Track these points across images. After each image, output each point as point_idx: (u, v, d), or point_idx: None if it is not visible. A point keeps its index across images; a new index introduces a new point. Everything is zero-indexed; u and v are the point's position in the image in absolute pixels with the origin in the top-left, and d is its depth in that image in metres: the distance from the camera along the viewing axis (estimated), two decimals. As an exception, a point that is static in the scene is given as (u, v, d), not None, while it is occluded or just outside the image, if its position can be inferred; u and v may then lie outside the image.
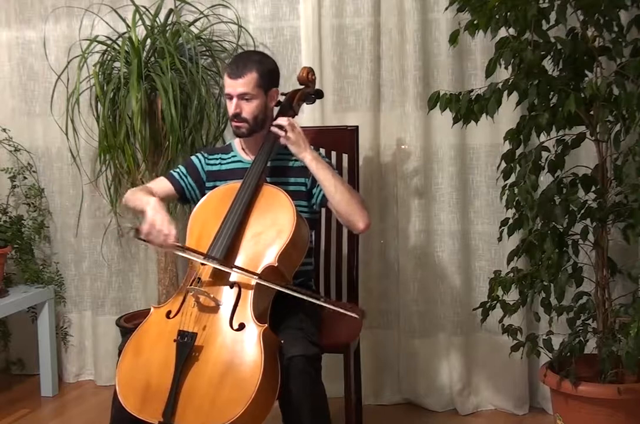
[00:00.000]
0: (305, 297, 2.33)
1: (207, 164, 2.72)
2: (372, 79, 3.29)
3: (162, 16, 3.41)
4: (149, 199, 2.48)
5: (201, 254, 2.39)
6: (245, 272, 2.34)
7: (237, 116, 2.56)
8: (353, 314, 2.32)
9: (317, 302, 2.38)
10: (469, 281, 3.30)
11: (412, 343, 3.33)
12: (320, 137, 3.00)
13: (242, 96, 2.54)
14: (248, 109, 2.56)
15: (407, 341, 3.34)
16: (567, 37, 2.59)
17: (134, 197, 2.61)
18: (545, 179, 2.73)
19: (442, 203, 3.28)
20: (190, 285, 2.36)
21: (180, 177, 2.71)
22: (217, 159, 2.73)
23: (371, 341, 3.34)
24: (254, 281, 2.33)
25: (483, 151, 3.24)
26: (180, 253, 2.45)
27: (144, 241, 2.42)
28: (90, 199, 3.62)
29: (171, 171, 2.76)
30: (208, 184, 2.69)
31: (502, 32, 2.57)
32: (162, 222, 2.38)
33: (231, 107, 2.56)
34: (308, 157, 2.55)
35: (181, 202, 2.84)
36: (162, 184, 2.72)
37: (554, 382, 2.66)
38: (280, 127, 2.56)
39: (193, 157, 2.76)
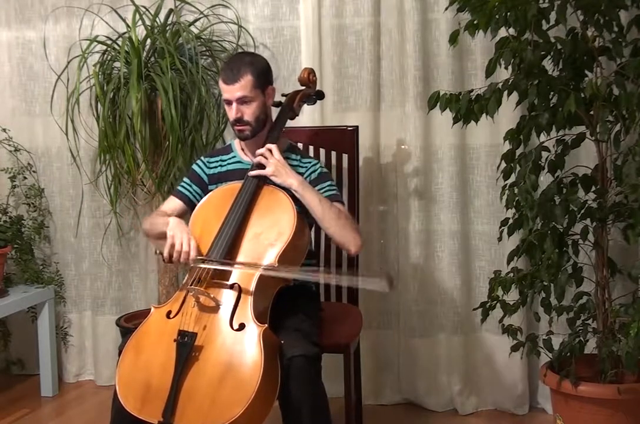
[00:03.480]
0: (311, 279, 2.32)
1: (209, 168, 2.72)
2: (372, 79, 3.29)
3: (162, 16, 3.41)
4: (166, 221, 2.48)
5: (202, 257, 2.39)
6: (248, 266, 2.35)
7: (240, 120, 2.55)
8: (379, 288, 2.25)
9: (339, 283, 2.37)
10: (469, 281, 3.30)
11: (412, 343, 3.33)
12: (320, 137, 3.00)
13: (241, 100, 2.53)
14: (249, 112, 2.55)
15: (407, 341, 3.34)
16: (567, 37, 2.59)
17: (152, 224, 2.60)
18: (545, 179, 2.73)
19: (442, 203, 3.28)
20: (191, 285, 2.35)
21: (185, 188, 2.71)
22: (217, 161, 2.72)
23: (371, 341, 3.34)
24: (256, 275, 2.33)
25: (483, 151, 3.24)
26: (204, 265, 2.38)
27: (171, 263, 2.42)
28: (90, 199, 3.62)
29: (177, 187, 2.75)
30: (211, 187, 2.68)
31: (502, 32, 2.57)
32: (181, 240, 2.38)
33: (231, 112, 2.55)
34: (294, 183, 2.51)
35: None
36: (172, 203, 2.71)
37: (554, 382, 2.66)
38: (260, 165, 2.54)
39: (194, 165, 2.76)
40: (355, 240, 2.51)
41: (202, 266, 2.37)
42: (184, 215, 2.70)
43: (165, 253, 2.40)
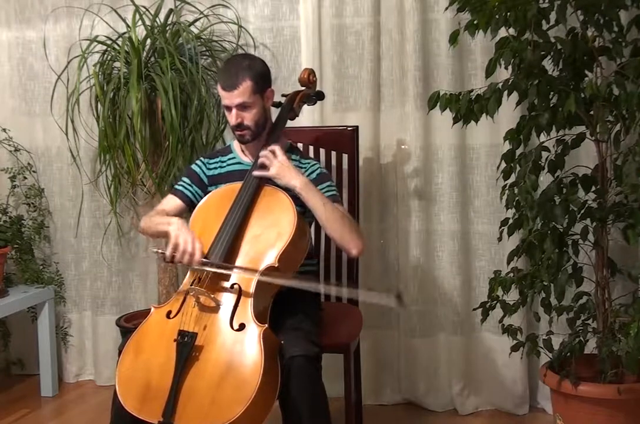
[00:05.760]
0: (308, 288, 2.32)
1: (208, 169, 2.71)
2: (372, 79, 3.29)
3: (162, 16, 3.41)
4: (169, 220, 2.46)
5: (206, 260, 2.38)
6: (246, 271, 2.34)
7: (240, 125, 2.55)
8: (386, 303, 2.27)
9: (319, 290, 2.38)
10: (469, 281, 3.30)
11: (412, 343, 3.33)
12: (320, 137, 3.00)
13: (240, 106, 2.52)
14: (249, 117, 2.54)
15: (407, 341, 3.34)
16: (567, 37, 2.59)
17: (152, 222, 2.59)
18: (545, 179, 2.73)
19: (442, 203, 3.28)
20: (191, 285, 2.36)
21: (185, 188, 2.69)
22: (217, 162, 2.71)
23: (371, 341, 3.34)
24: (255, 278, 2.33)
25: (483, 151, 3.24)
26: (208, 268, 2.36)
27: (172, 263, 2.40)
28: (90, 199, 3.62)
29: (175, 186, 2.74)
30: (210, 188, 2.67)
31: (502, 32, 2.57)
32: (185, 242, 2.36)
33: (232, 118, 2.54)
34: (298, 185, 2.49)
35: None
36: (171, 202, 2.69)
37: (554, 382, 2.66)
38: (263, 166, 2.52)
39: (193, 165, 2.74)
40: (357, 243, 2.50)
41: (204, 269, 2.36)
42: (182, 215, 2.70)
43: (168, 252, 2.39)
